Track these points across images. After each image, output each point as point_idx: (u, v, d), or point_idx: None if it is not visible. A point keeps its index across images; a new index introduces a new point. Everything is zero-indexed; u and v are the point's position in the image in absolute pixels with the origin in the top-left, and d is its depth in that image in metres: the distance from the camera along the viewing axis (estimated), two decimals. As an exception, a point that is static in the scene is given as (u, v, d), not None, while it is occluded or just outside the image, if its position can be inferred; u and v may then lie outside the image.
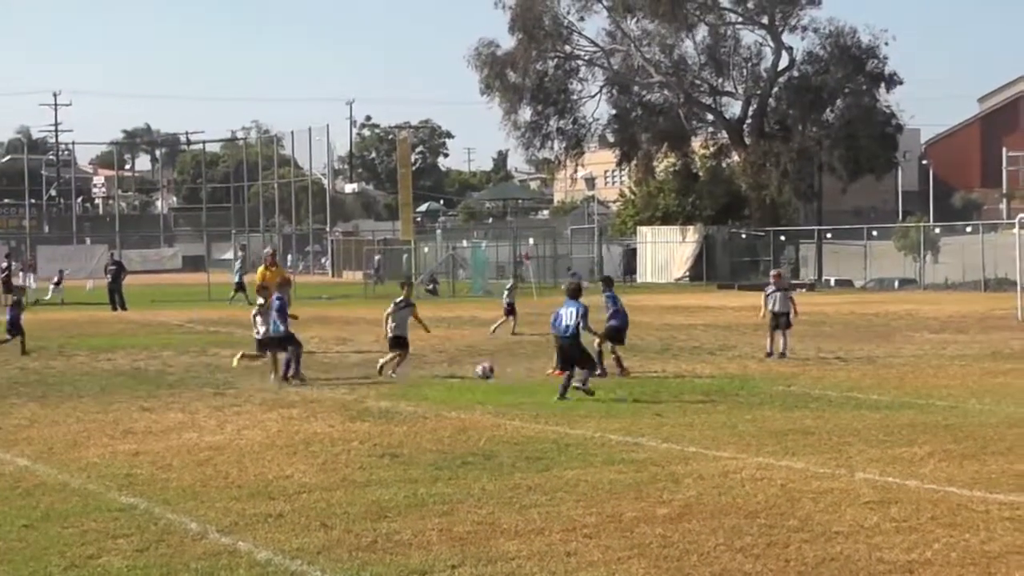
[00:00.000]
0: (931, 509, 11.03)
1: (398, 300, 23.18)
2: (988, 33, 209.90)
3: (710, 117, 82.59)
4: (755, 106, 79.94)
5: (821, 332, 33.16)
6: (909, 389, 20.43)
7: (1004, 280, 56.63)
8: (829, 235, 76.11)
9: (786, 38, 78.45)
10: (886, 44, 77.11)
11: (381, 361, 23.03)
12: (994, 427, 15.92)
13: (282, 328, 21.95)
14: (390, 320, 22.92)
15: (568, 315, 19.45)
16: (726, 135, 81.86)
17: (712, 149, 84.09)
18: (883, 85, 77.31)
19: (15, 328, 28.63)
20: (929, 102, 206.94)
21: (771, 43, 78.83)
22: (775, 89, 79.36)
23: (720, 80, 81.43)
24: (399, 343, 22.88)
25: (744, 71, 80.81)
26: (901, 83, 77.32)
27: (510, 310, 34.04)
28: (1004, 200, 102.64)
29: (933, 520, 10.63)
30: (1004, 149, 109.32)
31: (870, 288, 67.75)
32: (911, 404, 18.43)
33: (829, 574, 9.08)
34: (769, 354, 25.96)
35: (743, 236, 77.21)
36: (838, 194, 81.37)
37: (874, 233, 72.22)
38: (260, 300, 23.30)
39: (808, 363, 25.16)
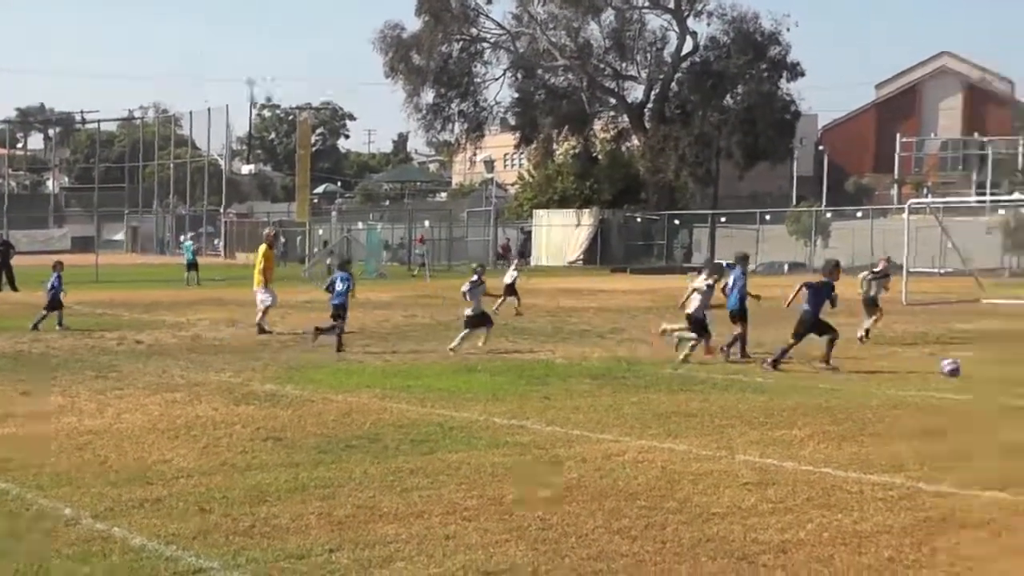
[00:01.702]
0: (807, 490, 11.17)
1: (473, 279, 24.35)
2: (888, 21, 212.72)
3: (612, 101, 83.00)
4: (657, 91, 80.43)
5: (717, 317, 33.35)
6: (795, 373, 20.65)
7: (892, 265, 57.38)
8: (723, 219, 76.82)
9: (691, 23, 79.05)
10: (788, 30, 77.94)
11: (457, 341, 23.70)
12: (873, 409, 16.16)
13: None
14: (468, 298, 24.08)
15: None
16: (627, 119, 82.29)
17: (612, 133, 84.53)
18: (784, 73, 78.00)
19: None
20: (827, 88, 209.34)
21: (676, 28, 79.31)
22: (678, 74, 79.86)
23: (624, 64, 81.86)
24: (483, 319, 24.37)
25: (648, 55, 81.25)
26: (803, 74, 78.17)
27: (510, 291, 34.12)
28: (895, 186, 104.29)
29: (808, 501, 10.76)
30: (898, 135, 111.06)
31: (760, 272, 68.46)
32: (794, 387, 18.65)
33: (705, 555, 9.15)
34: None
35: (638, 220, 77.72)
36: (735, 179, 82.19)
37: (767, 217, 73.02)
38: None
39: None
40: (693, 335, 22.26)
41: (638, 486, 11.44)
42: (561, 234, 78.43)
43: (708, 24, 79.39)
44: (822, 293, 21.02)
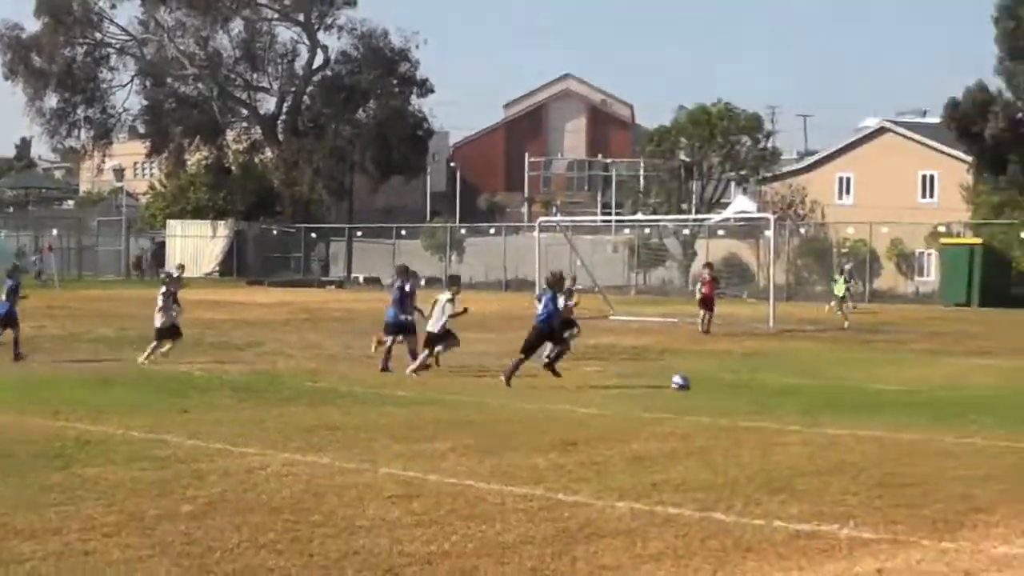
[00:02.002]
0: (451, 502, 11.32)
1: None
2: (516, 40, 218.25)
3: (245, 112, 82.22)
4: (290, 103, 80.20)
5: (350, 329, 33.52)
6: (434, 386, 20.93)
7: (524, 281, 59.05)
8: (360, 233, 77.17)
9: (322, 37, 79.22)
10: (417, 47, 79.11)
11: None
12: (512, 423, 16.53)
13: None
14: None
15: None
16: (260, 131, 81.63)
17: (246, 144, 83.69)
18: (415, 89, 79.20)
19: None
20: (458, 106, 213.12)
21: (307, 41, 79.24)
22: (310, 87, 79.88)
23: (255, 75, 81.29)
24: (173, 331, 24.27)
25: (280, 67, 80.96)
26: (432, 91, 79.54)
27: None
28: (526, 204, 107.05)
29: (452, 513, 10.90)
30: (527, 155, 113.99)
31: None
32: (436, 400, 18.90)
33: (351, 568, 9.14)
34: None
35: (274, 232, 77.22)
36: (369, 193, 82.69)
37: (403, 232, 73.76)
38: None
39: (336, 359, 25.40)
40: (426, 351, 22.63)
41: (283, 500, 11.35)
42: (195, 245, 77.04)
43: (339, 38, 80.00)
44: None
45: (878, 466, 13.25)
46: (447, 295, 22.95)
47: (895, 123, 71.52)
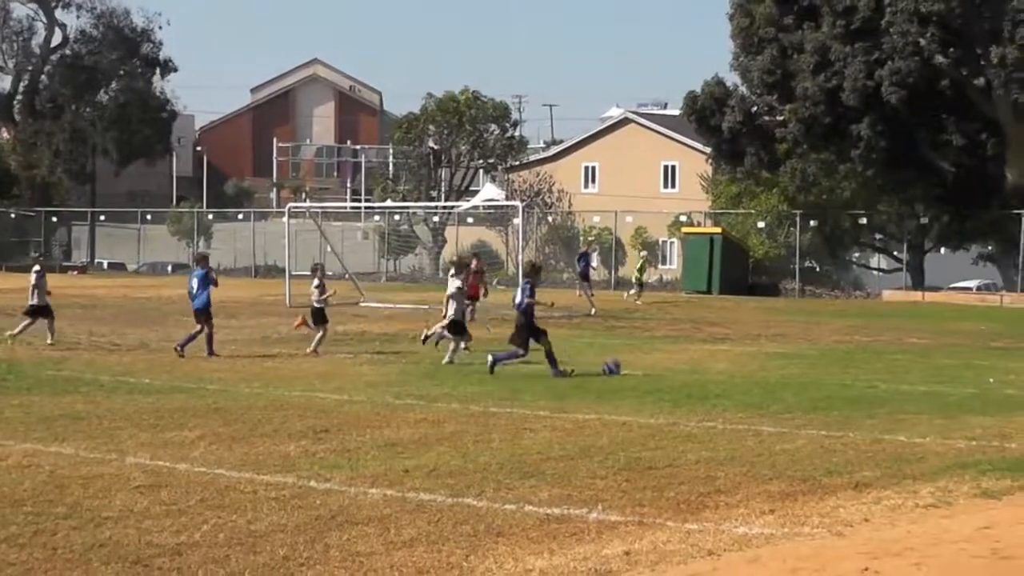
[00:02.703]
0: (200, 491, 11.18)
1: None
2: (266, 24, 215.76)
3: (-26, 91, 79.44)
4: (26, 82, 77.75)
5: (93, 315, 32.72)
6: (180, 374, 20.61)
7: (274, 267, 58.50)
8: (103, 217, 75.30)
9: (60, 15, 76.99)
10: (160, 28, 77.72)
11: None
12: (262, 410, 16.40)
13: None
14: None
15: None
16: (-5, 112, 79.08)
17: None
18: (158, 70, 77.73)
19: None
20: (204, 89, 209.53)
21: (44, 18, 76.95)
22: (47, 67, 77.59)
23: (-10, 53, 78.43)
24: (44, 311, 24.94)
25: (15, 45, 78.33)
26: (176, 70, 78.26)
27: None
28: (275, 189, 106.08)
29: (202, 502, 10.77)
30: (275, 140, 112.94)
31: (143, 272, 67.69)
32: (183, 388, 18.61)
33: (98, 560, 8.95)
34: None
35: (12, 216, 74.77)
36: (112, 177, 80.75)
37: (148, 217, 72.19)
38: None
39: (79, 347, 24.76)
40: (453, 336, 22.83)
41: (24, 492, 11.04)
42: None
43: (78, 17, 77.93)
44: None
45: (624, 450, 13.57)
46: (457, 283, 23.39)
47: (638, 114, 73.17)
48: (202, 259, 25.58)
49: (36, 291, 25.38)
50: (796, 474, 12.32)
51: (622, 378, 20.76)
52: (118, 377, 19.85)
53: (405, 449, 13.56)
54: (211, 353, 22.95)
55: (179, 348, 22.93)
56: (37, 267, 25.95)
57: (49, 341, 24.83)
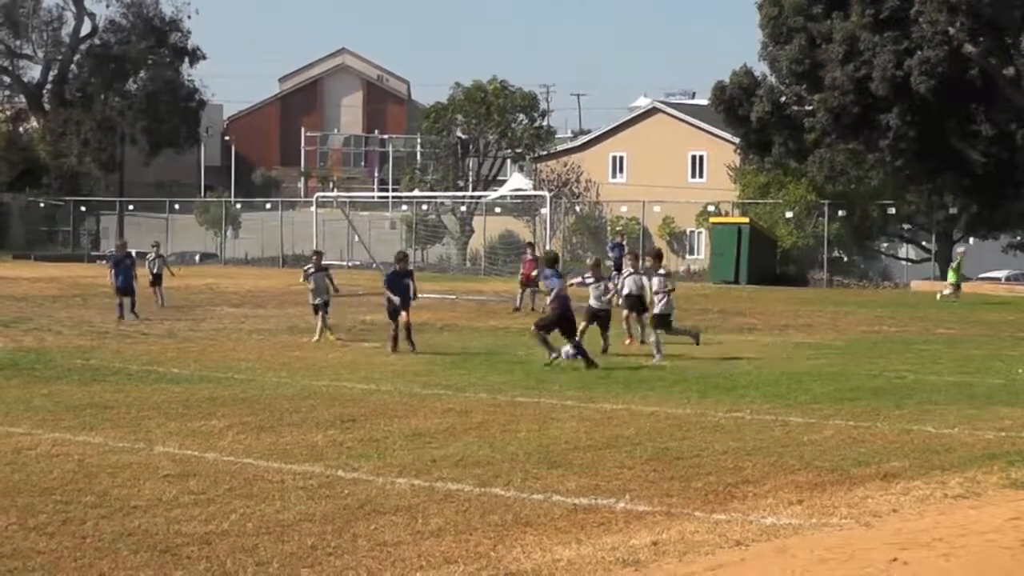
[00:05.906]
0: (229, 480, 11.20)
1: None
2: (294, 13, 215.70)
3: (7, 80, 79.65)
4: (56, 72, 77.97)
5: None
6: (209, 363, 20.66)
7: (301, 257, 58.50)
8: (132, 207, 75.46)
9: (89, 4, 77.30)
10: (189, 18, 77.89)
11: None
12: (289, 399, 16.43)
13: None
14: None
15: None
16: (24, 100, 79.24)
17: (10, 114, 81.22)
18: (186, 59, 77.85)
19: None
20: (232, 79, 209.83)
21: (73, 8, 77.23)
22: (77, 56, 77.79)
23: (19, 43, 78.67)
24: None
25: (45, 35, 78.63)
26: (204, 59, 78.30)
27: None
28: (302, 179, 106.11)
29: (230, 492, 10.79)
30: (303, 129, 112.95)
31: (172, 261, 67.75)
32: (211, 378, 18.65)
33: (127, 548, 8.98)
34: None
35: (41, 205, 75.02)
36: (140, 166, 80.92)
37: (176, 207, 72.34)
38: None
39: (107, 336, 24.84)
40: (660, 330, 22.79)
41: (53, 480, 11.08)
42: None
43: (107, 6, 78.19)
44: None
45: (652, 440, 13.55)
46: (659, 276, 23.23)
47: (665, 103, 72.94)
48: (402, 258, 25.17)
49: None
50: (824, 464, 12.29)
51: (650, 369, 20.73)
52: (146, 366, 19.92)
53: (432, 439, 13.56)
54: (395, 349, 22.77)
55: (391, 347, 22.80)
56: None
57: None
